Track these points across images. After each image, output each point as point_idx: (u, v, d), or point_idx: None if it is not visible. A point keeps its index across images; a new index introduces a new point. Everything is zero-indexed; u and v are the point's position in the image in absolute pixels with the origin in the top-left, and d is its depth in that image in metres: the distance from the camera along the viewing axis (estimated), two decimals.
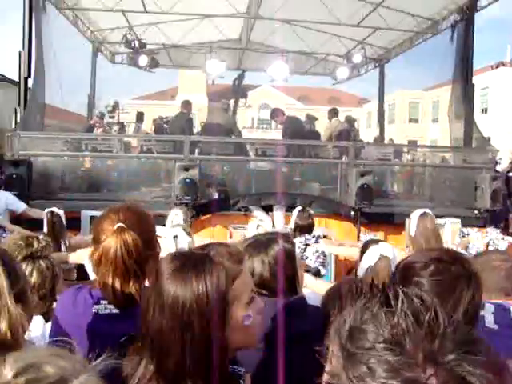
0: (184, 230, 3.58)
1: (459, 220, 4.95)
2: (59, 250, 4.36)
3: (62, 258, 3.45)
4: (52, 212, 4.85)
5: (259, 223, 4.34)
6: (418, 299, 0.78)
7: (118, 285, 1.69)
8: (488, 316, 2.11)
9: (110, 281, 1.69)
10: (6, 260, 1.36)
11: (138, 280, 1.71)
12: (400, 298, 0.78)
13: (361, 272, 3.10)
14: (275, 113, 10.70)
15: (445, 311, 0.78)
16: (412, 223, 4.04)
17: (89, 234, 5.79)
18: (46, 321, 1.93)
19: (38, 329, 1.95)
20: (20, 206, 6.05)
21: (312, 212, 5.42)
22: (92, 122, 11.15)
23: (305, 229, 5.06)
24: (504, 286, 2.34)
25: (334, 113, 11.51)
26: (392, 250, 3.17)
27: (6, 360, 0.77)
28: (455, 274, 1.53)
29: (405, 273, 1.60)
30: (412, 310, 0.76)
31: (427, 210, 4.15)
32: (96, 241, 1.75)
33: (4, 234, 5.13)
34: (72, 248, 4.42)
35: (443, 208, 7.61)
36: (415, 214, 4.07)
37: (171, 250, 3.46)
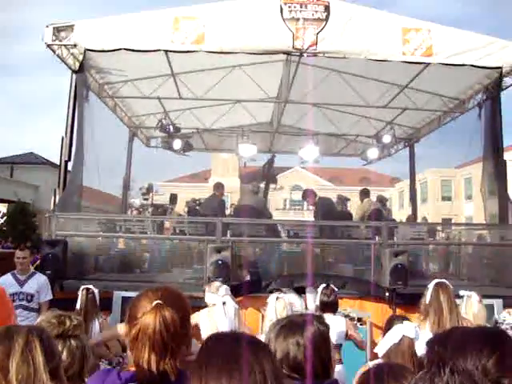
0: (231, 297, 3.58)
1: (474, 293, 4.82)
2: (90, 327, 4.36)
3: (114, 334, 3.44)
4: (88, 289, 4.87)
5: (278, 295, 4.28)
6: (458, 375, 0.76)
7: (153, 362, 1.67)
8: None
9: (146, 358, 1.67)
10: (44, 337, 1.38)
11: (174, 357, 1.68)
12: (442, 374, 0.76)
13: (381, 349, 3.03)
14: (306, 194, 10.82)
15: None
16: (428, 292, 4.13)
17: (119, 314, 5.78)
18: None
19: None
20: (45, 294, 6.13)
21: (336, 289, 5.38)
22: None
23: (330, 305, 5.09)
24: None
25: (365, 193, 11.55)
26: (415, 329, 3.10)
27: None
28: None
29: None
30: None
31: (444, 280, 4.23)
32: (133, 318, 1.75)
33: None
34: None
35: (483, 287, 7.35)
36: (431, 284, 4.17)
37: (220, 315, 3.46)
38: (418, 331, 3.11)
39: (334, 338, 4.54)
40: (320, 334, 2.05)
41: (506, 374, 1.18)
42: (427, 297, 4.16)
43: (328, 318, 4.83)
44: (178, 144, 12.81)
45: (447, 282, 4.26)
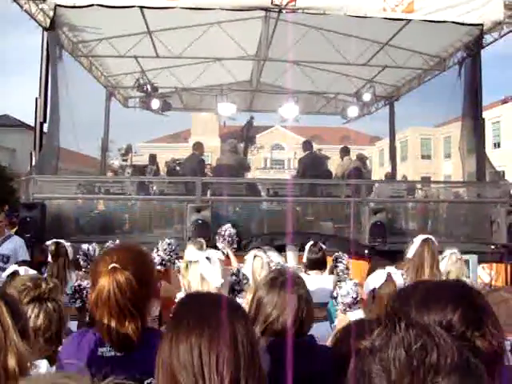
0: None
1: (457, 250, 4.91)
2: (66, 282, 4.36)
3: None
4: (57, 243, 4.81)
5: (257, 253, 4.29)
6: (413, 330, 0.79)
7: (113, 325, 1.68)
8: (507, 353, 2.04)
9: (106, 322, 1.68)
10: (9, 300, 1.40)
11: (134, 320, 1.69)
12: (397, 330, 0.79)
13: (365, 292, 3.10)
14: (303, 144, 10.85)
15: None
16: (413, 247, 4.20)
17: None
18: (51, 364, 1.91)
19: (42, 372, 1.92)
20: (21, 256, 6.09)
21: (323, 246, 5.36)
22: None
23: (317, 263, 5.07)
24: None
25: (345, 151, 11.61)
26: (402, 275, 3.15)
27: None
28: None
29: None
30: (405, 341, 0.79)
31: (430, 237, 4.28)
32: (93, 283, 1.76)
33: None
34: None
35: (459, 243, 7.50)
36: (418, 239, 4.23)
37: (207, 270, 3.49)
38: (405, 278, 3.16)
39: (318, 296, 4.58)
40: (302, 298, 2.11)
41: (470, 328, 1.22)
42: (411, 251, 4.21)
43: (315, 276, 4.89)
44: (156, 104, 12.63)
45: (433, 239, 4.30)
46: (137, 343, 1.70)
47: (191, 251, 4.31)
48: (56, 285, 2.23)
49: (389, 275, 3.07)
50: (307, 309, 2.11)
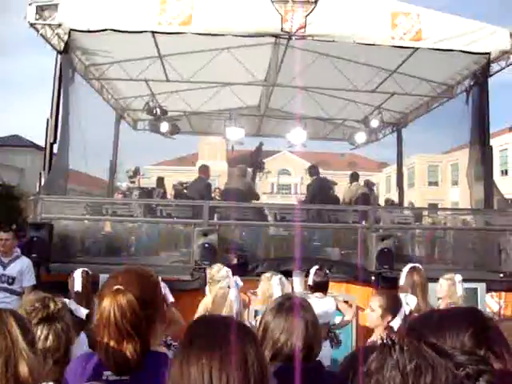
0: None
1: (453, 275, 5.05)
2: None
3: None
4: (87, 272, 4.83)
5: (282, 276, 4.51)
6: (408, 352, 0.83)
7: (112, 347, 1.69)
8: None
9: (105, 344, 1.69)
10: (17, 314, 1.42)
11: (133, 342, 1.69)
12: (392, 353, 0.86)
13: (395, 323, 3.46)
14: (309, 169, 10.88)
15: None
16: (402, 275, 4.72)
17: None
18: None
19: None
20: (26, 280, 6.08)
21: (328, 272, 5.62)
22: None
23: (321, 286, 5.36)
24: None
25: (355, 177, 11.63)
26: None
27: None
28: None
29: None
30: (400, 363, 0.83)
31: (417, 265, 4.81)
32: (98, 305, 1.76)
33: None
34: None
35: (467, 271, 7.44)
36: (406, 268, 4.74)
37: (233, 296, 3.58)
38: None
39: (321, 317, 4.64)
40: (309, 323, 2.12)
41: (480, 347, 1.27)
42: (401, 279, 4.73)
43: (318, 297, 5.17)
44: (165, 127, 12.74)
45: (419, 266, 4.79)
46: (136, 366, 1.69)
47: (224, 272, 4.42)
48: (64, 305, 2.23)
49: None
50: (315, 333, 2.10)
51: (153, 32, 8.15)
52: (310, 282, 5.42)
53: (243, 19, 7.82)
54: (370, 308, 3.67)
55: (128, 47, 9.08)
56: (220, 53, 10.29)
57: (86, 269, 4.86)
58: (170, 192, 12.71)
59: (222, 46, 10.04)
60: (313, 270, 5.47)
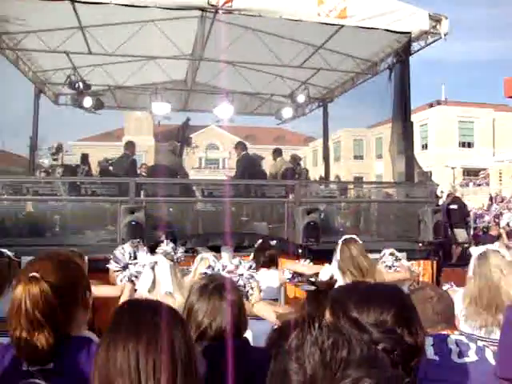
0: (166, 255, 3.56)
1: (392, 250, 5.20)
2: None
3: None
4: (1, 253, 4.54)
5: (203, 255, 4.32)
6: (326, 330, 0.88)
7: (23, 338, 1.65)
8: (428, 348, 2.16)
9: (16, 334, 1.64)
10: None
11: (45, 331, 1.65)
12: (311, 331, 0.92)
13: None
14: (238, 145, 10.85)
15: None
16: (337, 249, 4.43)
17: None
18: None
19: None
20: None
21: (273, 244, 5.50)
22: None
23: (267, 260, 5.19)
24: (435, 318, 2.42)
25: (278, 153, 11.80)
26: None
27: None
28: None
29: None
30: (318, 340, 0.89)
31: (353, 236, 4.51)
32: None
33: None
34: None
35: (390, 242, 7.78)
36: (340, 241, 4.48)
37: (148, 279, 3.44)
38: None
39: (266, 293, 4.66)
40: (233, 303, 2.14)
41: (399, 325, 1.42)
42: (337, 253, 4.42)
43: (263, 272, 4.96)
44: (88, 102, 12.26)
45: (356, 238, 4.51)
46: (52, 355, 1.65)
47: (143, 255, 4.25)
48: None
49: None
50: (239, 313, 2.13)
51: (72, 1, 7.76)
52: (251, 256, 5.31)
53: None
54: None
55: (45, 16, 8.61)
56: (145, 25, 9.97)
57: (2, 250, 4.59)
58: (95, 169, 12.36)
59: (147, 19, 9.73)
60: (256, 245, 5.40)
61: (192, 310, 2.09)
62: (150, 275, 3.42)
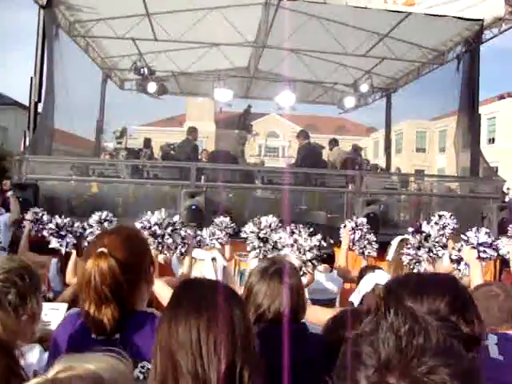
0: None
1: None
2: None
3: None
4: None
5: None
6: (402, 316, 0.87)
7: (92, 310, 1.72)
8: (492, 347, 2.08)
9: (85, 306, 1.71)
10: None
11: (111, 305, 1.72)
12: (387, 316, 0.90)
13: (355, 298, 3.13)
14: (300, 134, 10.80)
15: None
16: (391, 248, 4.26)
17: None
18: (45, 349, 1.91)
19: (34, 356, 1.92)
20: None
21: (331, 242, 5.17)
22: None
23: (325, 259, 4.71)
24: (500, 316, 2.33)
25: (334, 142, 11.72)
26: (387, 277, 3.18)
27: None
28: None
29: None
30: (394, 326, 0.88)
31: (407, 236, 4.27)
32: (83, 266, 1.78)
33: None
34: None
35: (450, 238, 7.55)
36: (395, 241, 4.30)
37: (210, 272, 3.51)
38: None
39: (325, 294, 4.55)
40: (293, 288, 2.13)
41: (454, 313, 1.40)
42: (389, 253, 4.28)
43: (322, 275, 4.71)
44: (152, 87, 12.54)
45: (410, 237, 4.26)
46: (118, 328, 1.72)
47: (199, 251, 4.31)
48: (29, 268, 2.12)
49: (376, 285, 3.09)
50: (298, 299, 2.14)
51: None
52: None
53: None
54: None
55: (114, 4, 8.88)
56: (209, 12, 10.08)
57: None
58: (157, 153, 12.64)
59: (212, 5, 9.82)
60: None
61: (252, 291, 2.11)
62: (210, 268, 3.48)
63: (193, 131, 10.60)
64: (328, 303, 4.37)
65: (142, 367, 1.62)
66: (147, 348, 1.48)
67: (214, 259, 3.46)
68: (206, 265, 3.38)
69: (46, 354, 1.87)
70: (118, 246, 1.77)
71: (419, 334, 0.86)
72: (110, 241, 1.79)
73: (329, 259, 4.83)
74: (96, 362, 0.92)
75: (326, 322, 2.16)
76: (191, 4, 9.30)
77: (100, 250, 1.73)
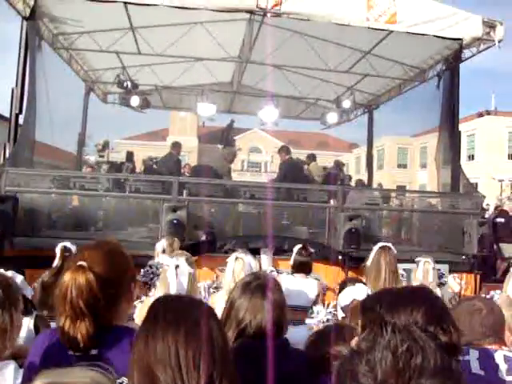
0: (187, 259, 3.55)
1: (430, 259, 4.94)
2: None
3: None
4: (65, 247, 4.64)
5: (238, 255, 4.21)
6: (399, 334, 0.85)
7: (67, 325, 1.69)
8: (473, 362, 2.09)
9: (61, 321, 1.68)
10: None
11: (87, 321, 1.68)
12: (384, 334, 0.89)
13: (339, 310, 3.17)
14: (282, 149, 10.83)
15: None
16: (371, 255, 4.20)
17: None
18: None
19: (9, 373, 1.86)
20: None
21: (312, 251, 5.31)
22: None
23: (303, 266, 5.03)
24: (482, 331, 2.33)
25: (311, 158, 11.89)
26: (367, 291, 3.19)
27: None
28: None
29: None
30: (391, 344, 0.86)
31: (388, 244, 4.27)
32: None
33: None
34: None
35: (431, 252, 7.61)
36: (376, 247, 4.22)
37: (172, 280, 3.47)
38: (369, 293, 3.19)
39: (301, 299, 4.57)
40: (275, 303, 2.12)
41: (431, 323, 1.42)
42: (369, 259, 4.22)
43: (300, 279, 4.90)
44: (135, 101, 12.52)
45: (391, 246, 4.30)
46: (93, 344, 1.68)
47: (164, 257, 4.29)
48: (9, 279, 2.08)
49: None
50: (281, 314, 2.12)
51: (125, 2, 7.94)
52: (292, 261, 5.12)
53: None
54: None
55: (99, 17, 8.84)
56: (193, 27, 10.12)
57: (65, 243, 4.66)
58: (139, 167, 12.58)
59: (196, 20, 9.86)
60: (295, 249, 5.16)
61: (234, 306, 2.09)
62: (173, 276, 3.44)
63: (177, 146, 10.61)
64: (302, 310, 4.38)
65: (121, 383, 1.59)
66: (126, 363, 1.45)
67: (177, 267, 3.43)
68: (169, 271, 3.36)
69: (21, 371, 1.82)
70: (98, 261, 1.74)
71: (417, 354, 0.83)
72: (91, 255, 1.76)
73: (306, 268, 5.02)
74: (79, 377, 0.90)
75: (308, 338, 2.15)
76: (175, 18, 9.31)
77: (79, 263, 1.70)
